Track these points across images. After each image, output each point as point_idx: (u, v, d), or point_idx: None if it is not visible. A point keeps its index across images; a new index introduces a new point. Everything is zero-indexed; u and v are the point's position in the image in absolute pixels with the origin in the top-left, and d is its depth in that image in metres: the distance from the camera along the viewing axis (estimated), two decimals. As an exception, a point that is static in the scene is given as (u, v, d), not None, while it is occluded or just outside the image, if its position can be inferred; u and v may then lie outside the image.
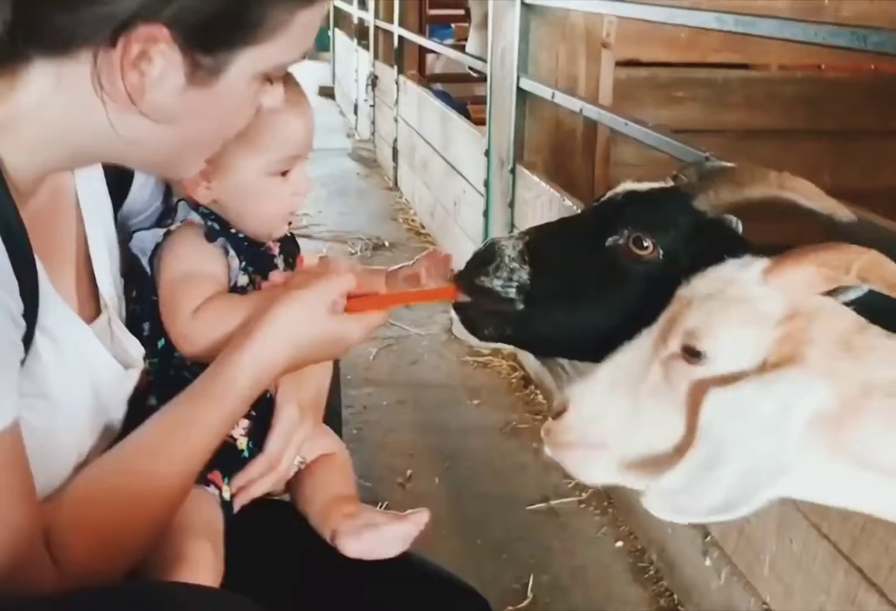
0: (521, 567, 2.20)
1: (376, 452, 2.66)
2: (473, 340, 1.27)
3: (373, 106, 6.87)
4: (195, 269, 1.21)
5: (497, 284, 1.19)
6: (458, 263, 1.28)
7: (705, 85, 3.85)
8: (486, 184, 3.67)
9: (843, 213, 1.14)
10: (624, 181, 1.28)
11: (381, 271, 1.37)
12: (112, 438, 1.14)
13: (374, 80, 6.76)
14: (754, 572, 1.79)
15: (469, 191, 3.99)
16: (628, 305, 1.16)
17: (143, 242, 1.22)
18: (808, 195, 1.12)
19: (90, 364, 1.04)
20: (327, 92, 9.66)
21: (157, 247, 1.22)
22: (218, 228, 1.25)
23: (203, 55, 0.89)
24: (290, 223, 1.33)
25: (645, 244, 1.16)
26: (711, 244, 1.13)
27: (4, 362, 0.87)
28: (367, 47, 7.11)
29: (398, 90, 5.81)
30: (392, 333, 3.62)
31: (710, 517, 0.87)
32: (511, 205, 3.37)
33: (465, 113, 4.71)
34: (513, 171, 3.34)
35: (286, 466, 1.26)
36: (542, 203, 3.02)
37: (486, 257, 1.20)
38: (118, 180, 1.21)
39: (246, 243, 1.27)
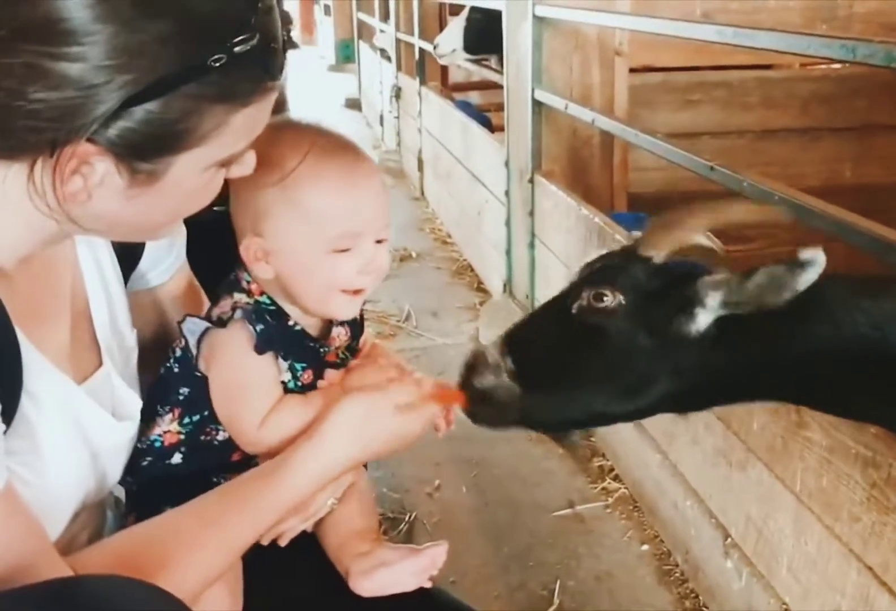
0: (547, 573, 2.25)
1: (404, 462, 2.71)
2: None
3: (397, 117, 6.94)
4: (250, 383, 1.19)
5: (490, 379, 1.26)
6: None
7: (721, 87, 3.87)
8: (507, 194, 3.72)
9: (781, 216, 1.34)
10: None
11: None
12: (110, 485, 1.18)
13: (398, 92, 6.83)
14: (773, 573, 1.82)
15: (491, 200, 4.04)
16: (612, 357, 1.24)
17: (195, 326, 1.21)
18: (743, 213, 1.28)
19: (78, 420, 1.08)
20: (354, 104, 9.74)
21: (203, 335, 1.21)
22: (271, 328, 1.20)
23: (141, 162, 0.91)
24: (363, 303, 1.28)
25: (605, 297, 1.23)
26: (666, 284, 1.22)
27: None
28: (389, 59, 7.18)
29: (421, 101, 5.87)
30: (419, 344, 3.68)
31: None
32: (531, 214, 3.41)
33: (486, 123, 4.76)
34: (531, 180, 3.38)
35: (315, 510, 1.25)
36: (561, 212, 3.07)
37: (472, 363, 1.28)
38: (129, 242, 1.22)
39: (298, 337, 1.25)
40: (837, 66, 4.25)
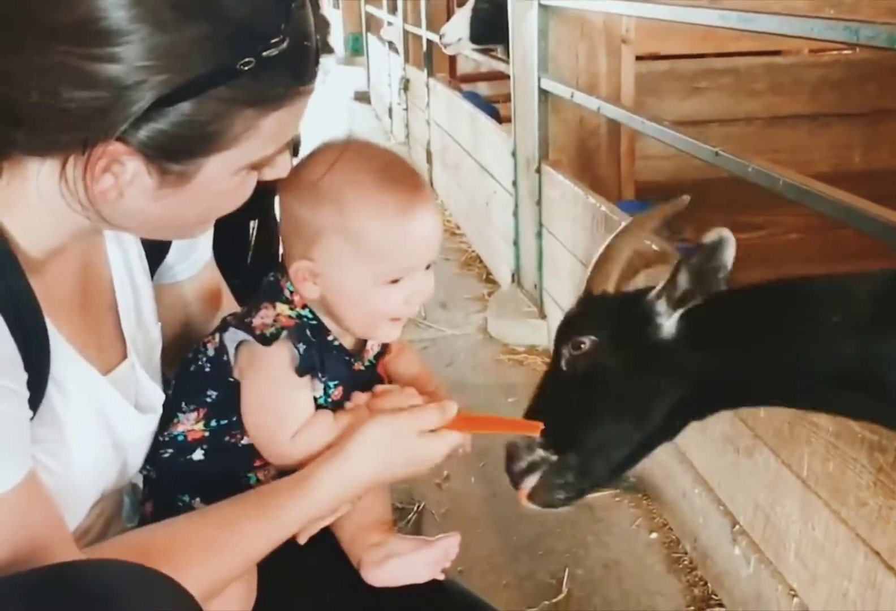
0: (556, 562, 2.24)
1: (413, 453, 2.71)
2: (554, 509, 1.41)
3: (406, 109, 6.93)
4: (288, 401, 1.18)
5: (527, 459, 1.34)
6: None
7: (728, 74, 3.85)
8: (515, 184, 3.71)
9: (674, 206, 1.49)
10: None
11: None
12: (131, 475, 1.19)
13: (406, 84, 6.82)
14: (781, 559, 1.81)
15: (499, 191, 4.03)
16: (615, 389, 1.33)
17: (237, 335, 1.18)
18: (647, 227, 1.47)
19: (103, 411, 1.09)
20: (363, 96, 9.73)
21: (242, 344, 1.18)
22: (312, 348, 1.18)
23: (171, 163, 0.92)
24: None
25: (581, 344, 1.34)
26: (626, 309, 1.34)
27: (9, 426, 0.90)
28: (397, 51, 7.17)
29: (429, 93, 5.86)
30: (428, 336, 3.68)
31: None
32: (539, 204, 3.41)
33: (494, 113, 4.75)
34: (538, 170, 3.38)
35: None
36: (568, 201, 3.06)
37: (509, 455, 1.35)
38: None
39: (336, 353, 1.23)
40: (847, 51, 4.23)
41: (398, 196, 1.14)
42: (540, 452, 1.32)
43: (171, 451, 1.23)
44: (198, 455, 1.22)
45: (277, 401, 1.18)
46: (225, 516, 1.08)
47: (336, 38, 13.47)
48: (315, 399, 1.21)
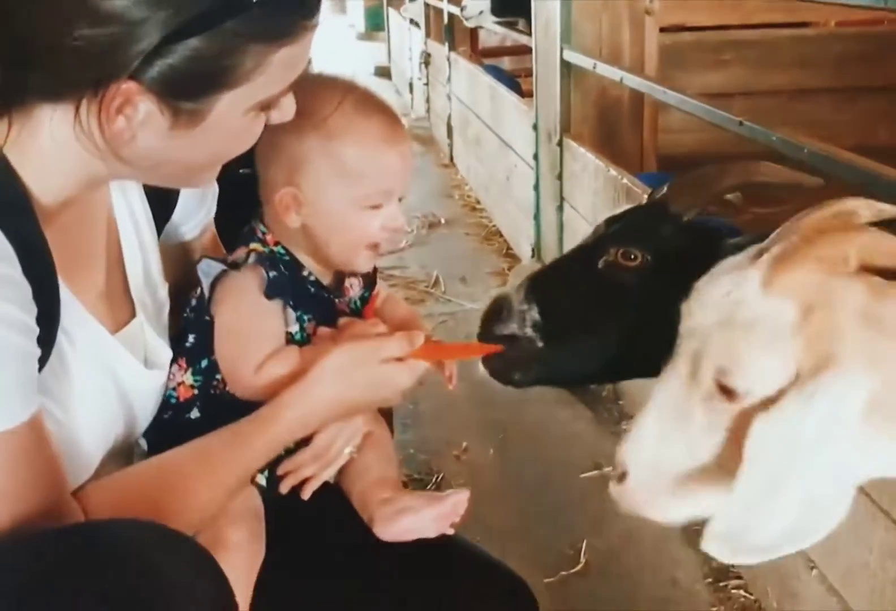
0: (574, 533, 2.25)
1: (432, 425, 2.72)
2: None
3: (427, 84, 6.90)
4: (254, 326, 1.21)
5: (513, 328, 1.26)
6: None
7: (753, 46, 3.80)
8: (536, 157, 3.69)
9: (809, 180, 1.18)
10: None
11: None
12: (139, 431, 1.21)
13: (426, 58, 6.78)
14: (801, 532, 1.80)
15: (520, 165, 4.01)
16: (637, 313, 1.25)
17: (210, 268, 1.23)
18: (772, 174, 1.22)
19: (110, 366, 1.10)
20: (383, 72, 9.69)
21: (217, 279, 1.22)
22: (283, 276, 1.23)
23: (183, 101, 0.94)
24: (379, 255, 1.30)
25: (633, 256, 1.25)
26: (694, 243, 1.23)
27: (16, 362, 0.91)
28: (418, 26, 7.12)
29: (450, 67, 5.83)
30: (447, 309, 3.68)
31: (777, 552, 0.84)
32: (560, 177, 3.38)
33: (516, 87, 4.71)
34: (560, 143, 3.35)
35: (334, 456, 1.27)
36: (589, 174, 3.04)
37: (495, 309, 1.29)
38: (164, 192, 1.25)
39: (312, 289, 1.27)
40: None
41: (379, 119, 1.21)
42: (528, 329, 1.26)
43: (170, 412, 1.25)
44: (194, 413, 1.25)
45: (245, 326, 1.20)
46: (204, 449, 1.11)
47: (356, 13, 13.39)
48: (291, 335, 1.23)
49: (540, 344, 1.27)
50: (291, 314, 1.23)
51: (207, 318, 1.23)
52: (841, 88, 3.85)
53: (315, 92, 1.19)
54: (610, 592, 2.08)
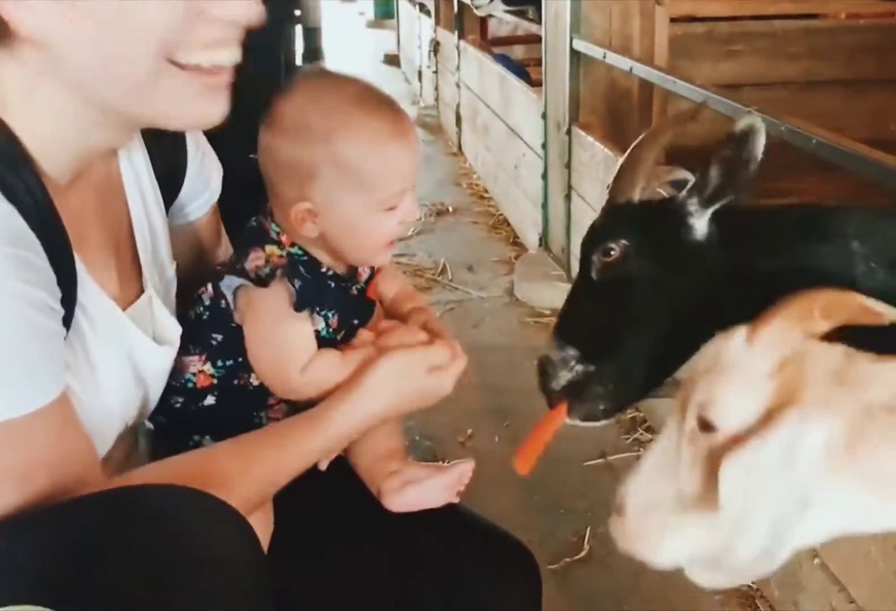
0: (578, 521, 2.26)
1: (438, 412, 2.71)
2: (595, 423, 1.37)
3: (435, 72, 6.88)
4: (289, 337, 1.21)
5: (564, 375, 1.31)
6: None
7: (764, 37, 3.77)
8: (544, 146, 3.69)
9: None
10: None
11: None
12: (151, 409, 1.21)
13: (436, 47, 6.76)
14: (804, 521, 1.81)
15: (529, 154, 4.01)
16: (650, 294, 1.28)
17: (233, 283, 1.22)
18: (673, 123, 1.40)
19: (123, 339, 1.10)
20: (392, 59, 9.67)
21: (239, 289, 1.21)
22: (307, 282, 1.22)
23: None
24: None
25: (611, 250, 1.29)
26: (654, 214, 1.29)
27: (45, 341, 0.92)
28: (428, 14, 7.11)
29: (459, 55, 5.82)
30: (454, 297, 3.68)
31: (754, 575, 0.89)
32: (568, 166, 3.39)
33: (525, 76, 4.71)
34: (569, 132, 3.35)
35: None
36: (598, 164, 3.04)
37: (541, 372, 1.34)
38: (171, 172, 1.25)
39: (332, 284, 1.27)
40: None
41: (383, 122, 1.19)
42: (576, 366, 1.29)
43: (181, 399, 1.25)
44: (209, 401, 1.25)
45: (280, 337, 1.21)
46: (247, 447, 1.11)
47: (366, 2, 13.36)
48: (318, 332, 1.24)
49: (592, 368, 1.30)
50: (317, 317, 1.24)
51: (233, 325, 1.23)
52: (852, 80, 3.83)
53: (317, 100, 1.18)
54: (613, 579, 2.09)
